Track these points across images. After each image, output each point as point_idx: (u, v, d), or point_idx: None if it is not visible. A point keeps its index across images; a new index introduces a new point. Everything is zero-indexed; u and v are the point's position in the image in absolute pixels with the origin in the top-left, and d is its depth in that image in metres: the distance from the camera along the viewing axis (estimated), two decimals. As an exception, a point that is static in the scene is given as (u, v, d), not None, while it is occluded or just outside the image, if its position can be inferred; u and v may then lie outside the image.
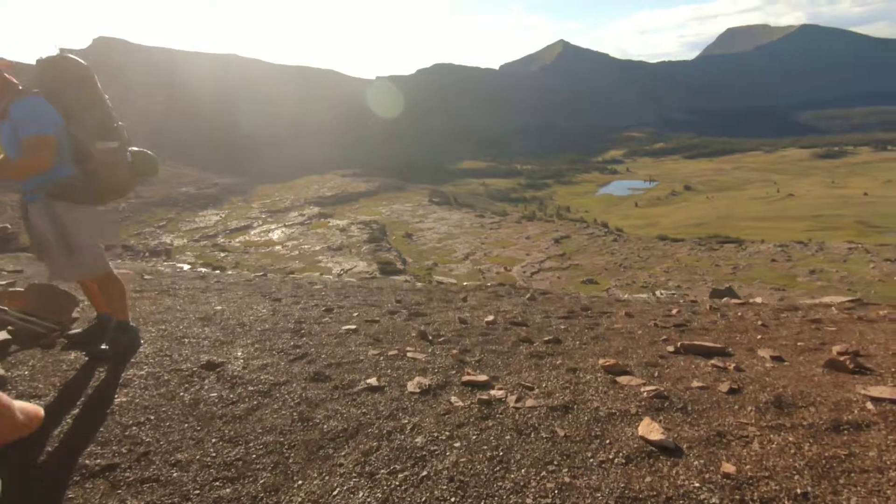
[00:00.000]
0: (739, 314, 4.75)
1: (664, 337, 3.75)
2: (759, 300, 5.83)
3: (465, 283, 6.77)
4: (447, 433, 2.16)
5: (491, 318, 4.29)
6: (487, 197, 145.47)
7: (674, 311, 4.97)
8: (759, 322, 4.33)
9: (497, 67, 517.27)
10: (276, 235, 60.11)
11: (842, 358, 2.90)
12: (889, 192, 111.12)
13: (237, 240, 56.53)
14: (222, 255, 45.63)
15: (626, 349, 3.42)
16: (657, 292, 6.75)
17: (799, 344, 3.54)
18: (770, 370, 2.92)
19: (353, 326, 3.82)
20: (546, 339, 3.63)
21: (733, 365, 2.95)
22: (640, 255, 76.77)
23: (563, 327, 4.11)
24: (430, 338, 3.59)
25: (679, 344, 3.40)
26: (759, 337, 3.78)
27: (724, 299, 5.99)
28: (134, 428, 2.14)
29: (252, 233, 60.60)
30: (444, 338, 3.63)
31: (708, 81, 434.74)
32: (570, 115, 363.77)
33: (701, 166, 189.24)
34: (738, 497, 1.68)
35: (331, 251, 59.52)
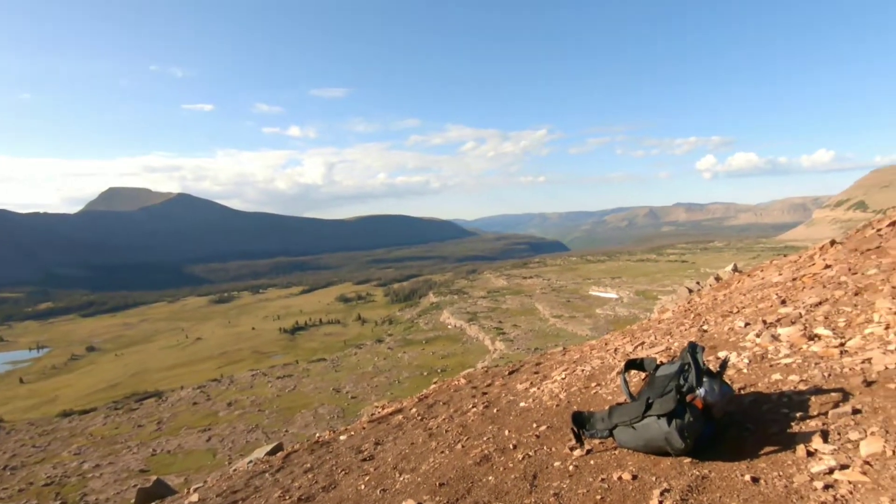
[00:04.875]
0: None
1: None
2: (195, 498, 4.78)
3: None
4: None
5: None
6: None
7: None
8: None
9: None
10: None
11: None
12: (268, 326, 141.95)
13: None
14: None
15: None
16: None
17: None
18: None
19: None
20: None
21: None
22: (37, 444, 60.59)
23: None
24: None
25: None
26: None
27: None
28: None
29: None
30: None
31: (96, 236, 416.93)
32: None
33: (103, 323, 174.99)
34: None
35: None
